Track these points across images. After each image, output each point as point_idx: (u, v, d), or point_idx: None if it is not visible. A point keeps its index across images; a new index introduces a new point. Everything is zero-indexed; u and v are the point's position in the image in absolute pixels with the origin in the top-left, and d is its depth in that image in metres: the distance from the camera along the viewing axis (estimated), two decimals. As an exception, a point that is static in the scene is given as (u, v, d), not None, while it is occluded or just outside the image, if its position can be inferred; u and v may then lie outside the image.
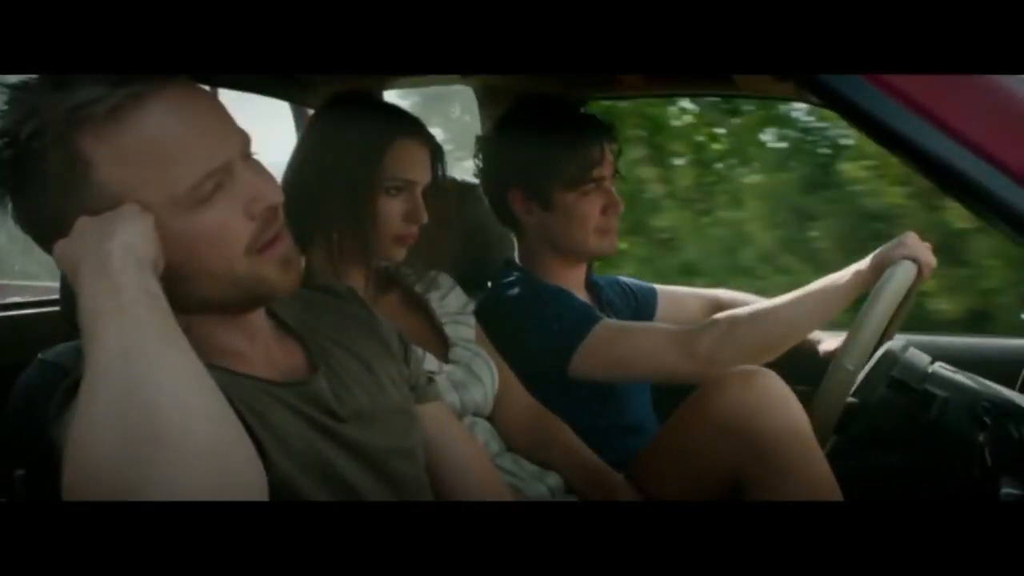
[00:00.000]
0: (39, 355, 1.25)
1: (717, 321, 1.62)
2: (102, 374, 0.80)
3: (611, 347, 1.65)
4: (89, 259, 0.87)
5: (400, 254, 1.55)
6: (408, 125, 1.56)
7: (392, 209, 1.51)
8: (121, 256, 0.87)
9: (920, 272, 1.54)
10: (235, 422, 0.83)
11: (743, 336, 1.59)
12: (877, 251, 1.58)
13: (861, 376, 1.41)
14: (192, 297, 0.98)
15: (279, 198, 1.02)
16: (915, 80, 0.81)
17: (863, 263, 1.59)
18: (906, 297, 1.56)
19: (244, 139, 1.01)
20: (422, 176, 1.55)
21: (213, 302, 1.01)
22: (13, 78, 0.96)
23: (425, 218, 1.53)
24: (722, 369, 1.48)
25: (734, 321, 1.61)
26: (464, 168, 1.93)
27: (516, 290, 1.78)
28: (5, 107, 0.94)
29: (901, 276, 1.51)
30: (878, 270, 1.55)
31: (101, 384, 0.79)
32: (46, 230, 0.95)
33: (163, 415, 0.77)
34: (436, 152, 1.59)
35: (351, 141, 1.52)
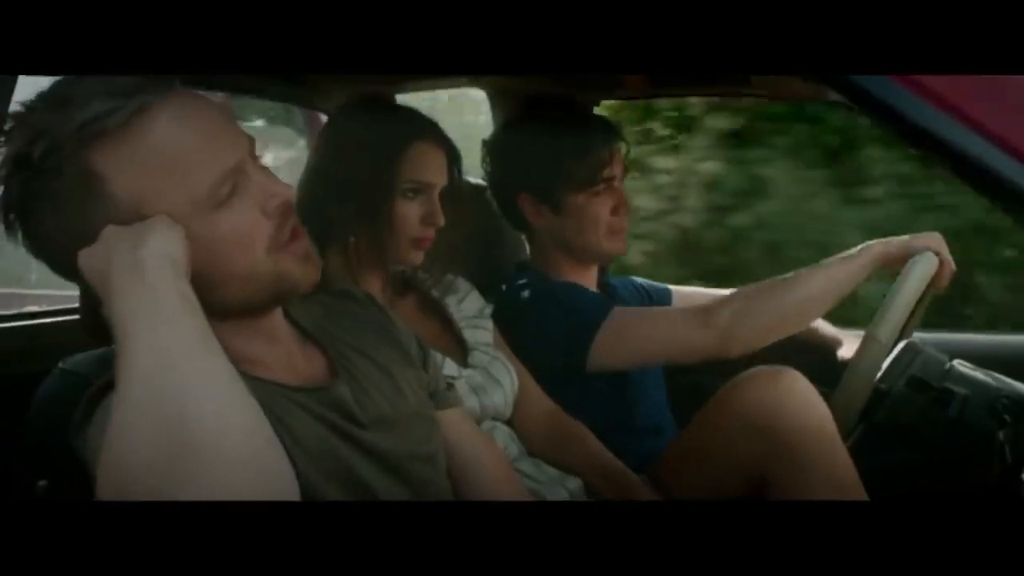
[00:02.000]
0: (59, 364, 1.25)
1: (733, 295, 1.62)
2: (139, 378, 0.80)
3: (628, 332, 1.64)
4: (122, 265, 0.87)
5: (418, 257, 1.55)
6: (424, 127, 1.55)
7: (409, 212, 1.51)
8: (156, 261, 0.86)
9: (940, 268, 1.53)
10: (267, 427, 0.83)
11: (760, 309, 1.58)
12: (898, 238, 1.57)
13: (883, 368, 1.41)
14: (215, 302, 0.97)
15: (290, 193, 1.02)
16: (948, 80, 0.81)
17: (878, 241, 1.59)
18: (924, 293, 1.55)
19: (250, 141, 1.01)
20: (439, 178, 1.54)
21: (237, 305, 1.01)
22: (12, 106, 0.96)
23: (442, 221, 1.52)
24: (740, 343, 1.48)
25: (750, 295, 1.61)
26: (479, 171, 1.92)
27: (529, 291, 1.77)
28: (7, 134, 0.94)
29: (927, 263, 1.50)
30: (893, 247, 1.54)
31: (138, 388, 0.79)
32: (61, 249, 0.94)
33: (200, 422, 0.77)
34: (452, 154, 1.58)
35: (367, 144, 1.51)
